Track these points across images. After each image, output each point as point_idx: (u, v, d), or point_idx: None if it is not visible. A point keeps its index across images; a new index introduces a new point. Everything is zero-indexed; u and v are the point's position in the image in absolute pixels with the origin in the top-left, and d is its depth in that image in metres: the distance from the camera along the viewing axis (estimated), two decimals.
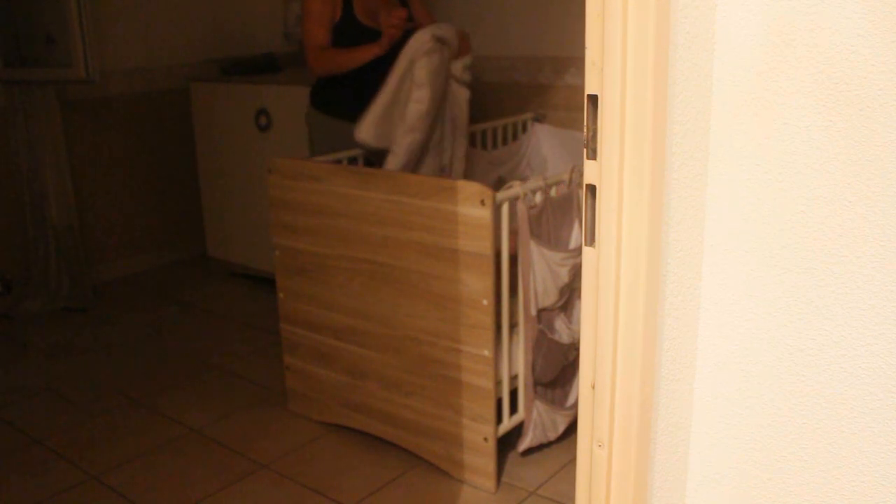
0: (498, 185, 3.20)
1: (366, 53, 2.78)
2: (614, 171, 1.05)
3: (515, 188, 2.27)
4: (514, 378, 2.46)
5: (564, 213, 2.38)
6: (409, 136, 2.69)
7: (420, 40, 2.64)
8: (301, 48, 4.52)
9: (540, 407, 2.44)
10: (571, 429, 2.56)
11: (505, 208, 2.26)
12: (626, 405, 1.13)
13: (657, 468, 1.20)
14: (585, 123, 1.08)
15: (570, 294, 2.44)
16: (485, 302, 2.20)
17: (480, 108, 3.78)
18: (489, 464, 2.34)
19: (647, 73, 1.01)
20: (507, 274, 2.31)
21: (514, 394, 2.48)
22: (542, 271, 2.30)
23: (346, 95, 2.93)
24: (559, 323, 2.43)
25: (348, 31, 2.87)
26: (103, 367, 3.26)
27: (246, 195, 3.99)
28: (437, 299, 2.30)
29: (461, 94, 2.91)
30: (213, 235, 4.30)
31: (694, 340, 1.19)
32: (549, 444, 2.55)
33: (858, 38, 0.95)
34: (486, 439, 2.32)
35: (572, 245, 2.39)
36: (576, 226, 2.40)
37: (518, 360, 2.43)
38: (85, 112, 4.00)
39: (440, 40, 2.69)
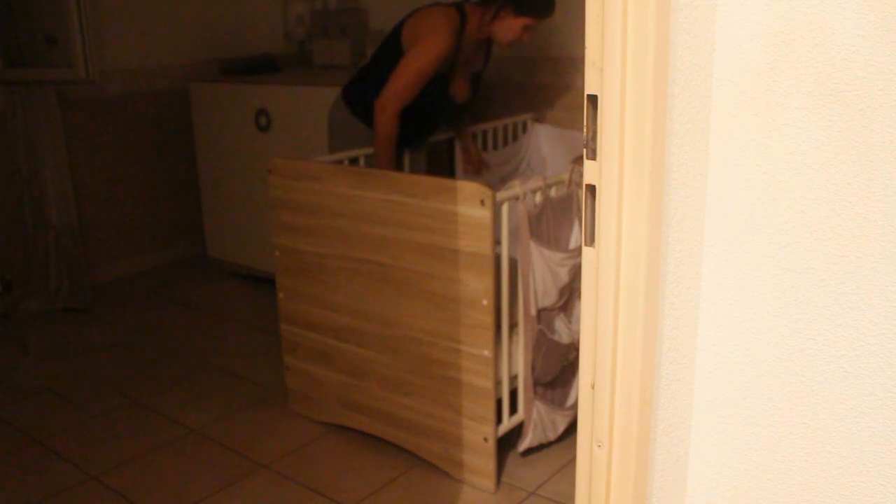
0: (498, 185, 3.20)
1: (382, 162, 2.75)
2: (614, 171, 1.05)
3: (515, 188, 2.27)
4: (513, 378, 2.46)
5: (564, 213, 2.38)
6: None
7: None
8: (301, 49, 4.55)
9: (540, 407, 2.44)
10: (571, 429, 2.56)
11: (505, 208, 2.26)
12: (626, 405, 1.13)
13: (657, 468, 1.20)
14: (585, 123, 1.08)
15: (570, 294, 2.44)
16: (485, 302, 2.20)
17: (480, 108, 3.78)
18: (489, 464, 2.34)
19: (647, 73, 1.01)
20: (507, 274, 2.31)
21: (513, 394, 2.48)
22: (542, 271, 2.30)
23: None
24: (559, 323, 2.43)
25: (437, 98, 2.82)
26: (103, 367, 3.26)
27: (246, 195, 4.00)
28: (437, 299, 2.30)
29: None
30: (213, 235, 4.30)
31: (694, 341, 1.19)
32: (549, 444, 2.55)
33: (858, 38, 0.95)
34: (485, 439, 2.32)
35: (572, 245, 2.39)
36: (576, 226, 2.40)
37: (518, 360, 2.43)
38: (85, 112, 4.00)
39: None
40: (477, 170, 3.27)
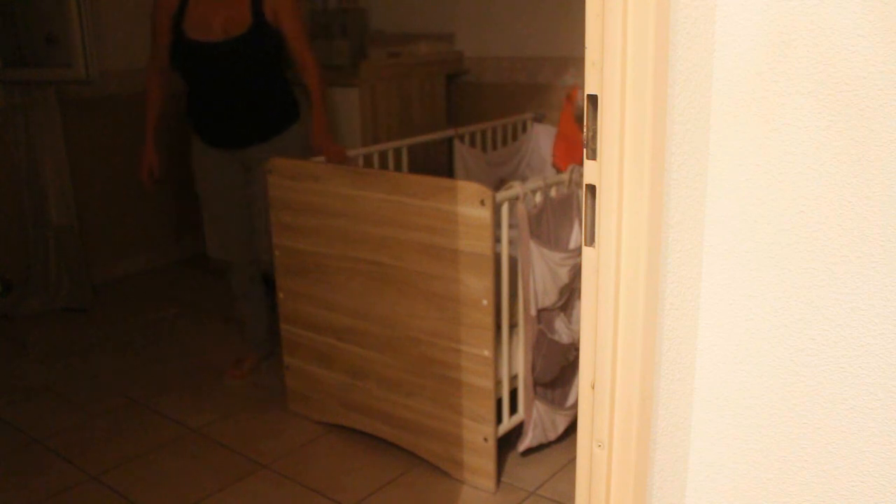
0: (498, 185, 3.20)
1: (147, 120, 2.91)
2: (614, 171, 1.05)
3: (515, 188, 2.27)
4: (513, 378, 2.46)
5: (564, 213, 2.38)
6: None
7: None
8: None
9: (540, 407, 2.44)
10: (571, 429, 2.56)
11: (505, 208, 2.26)
12: (626, 405, 1.13)
13: (657, 468, 1.20)
14: (585, 123, 1.08)
15: (569, 294, 2.44)
16: (485, 302, 2.20)
17: (480, 108, 3.78)
18: (489, 464, 2.34)
19: (647, 73, 1.01)
20: (508, 274, 2.31)
21: (513, 394, 2.48)
22: (542, 271, 2.30)
23: (191, 110, 2.94)
24: (559, 323, 2.43)
25: (179, 50, 2.80)
26: (103, 367, 3.26)
27: None
28: (437, 299, 2.30)
29: None
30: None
31: (694, 340, 1.19)
32: (549, 444, 2.55)
33: (858, 38, 0.95)
34: (485, 439, 2.32)
35: (572, 245, 2.39)
36: (576, 226, 2.40)
37: (518, 360, 2.43)
38: (85, 112, 4.00)
39: None
40: (329, 155, 2.77)
